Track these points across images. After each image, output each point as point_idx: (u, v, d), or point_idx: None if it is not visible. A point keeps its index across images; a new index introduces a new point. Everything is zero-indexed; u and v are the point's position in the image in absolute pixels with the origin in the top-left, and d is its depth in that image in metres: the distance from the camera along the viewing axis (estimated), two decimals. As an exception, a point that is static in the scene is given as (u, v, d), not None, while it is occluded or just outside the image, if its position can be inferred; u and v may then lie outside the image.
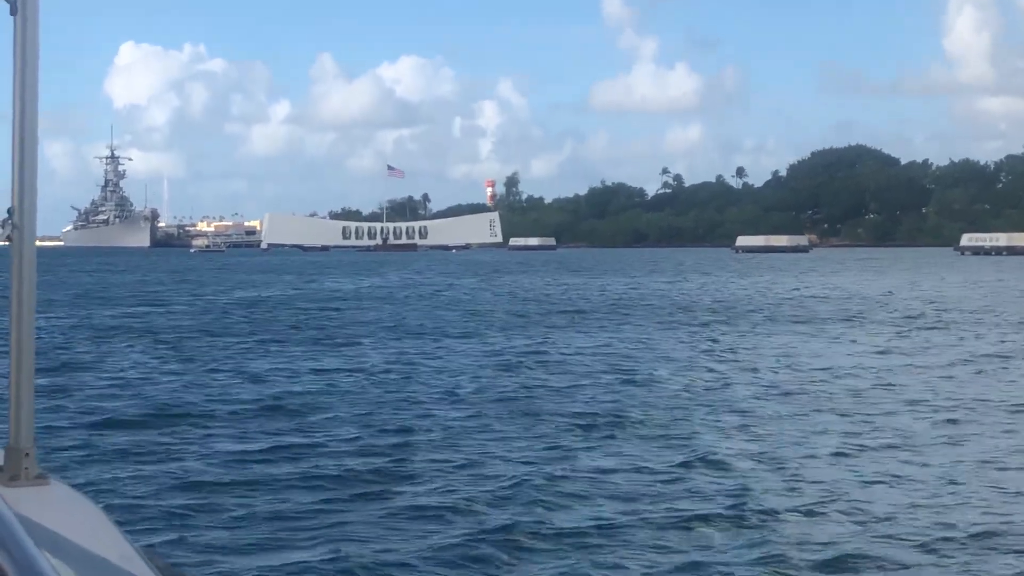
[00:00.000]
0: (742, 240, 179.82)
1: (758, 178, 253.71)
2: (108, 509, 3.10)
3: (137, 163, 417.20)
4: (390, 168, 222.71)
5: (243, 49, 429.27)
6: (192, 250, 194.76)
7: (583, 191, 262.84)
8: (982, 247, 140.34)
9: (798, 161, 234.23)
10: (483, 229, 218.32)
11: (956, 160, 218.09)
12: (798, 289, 59.58)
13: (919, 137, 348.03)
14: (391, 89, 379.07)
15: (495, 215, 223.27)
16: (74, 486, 2.97)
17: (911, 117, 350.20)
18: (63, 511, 2.71)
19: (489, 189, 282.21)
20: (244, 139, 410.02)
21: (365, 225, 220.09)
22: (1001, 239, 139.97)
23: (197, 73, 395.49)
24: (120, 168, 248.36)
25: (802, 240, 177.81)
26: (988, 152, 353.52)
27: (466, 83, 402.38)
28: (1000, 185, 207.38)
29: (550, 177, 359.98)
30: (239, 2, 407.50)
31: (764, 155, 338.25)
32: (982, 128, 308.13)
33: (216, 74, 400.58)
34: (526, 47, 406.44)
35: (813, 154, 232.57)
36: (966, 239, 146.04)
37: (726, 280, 72.41)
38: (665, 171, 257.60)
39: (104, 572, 2.45)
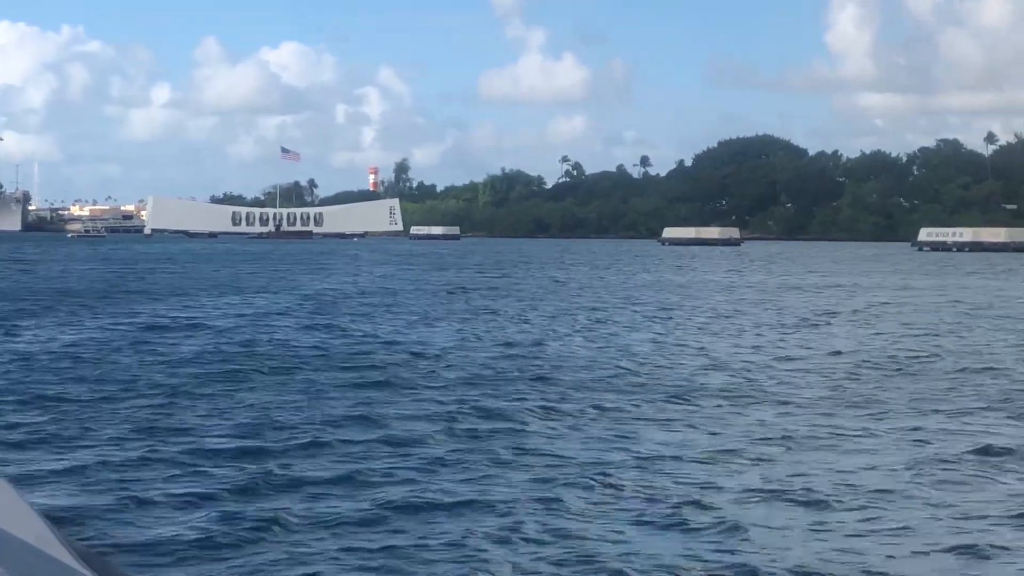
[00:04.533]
0: (669, 232, 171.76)
1: (660, 168, 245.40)
2: (25, 491, 2.91)
3: (11, 145, 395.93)
4: (284, 150, 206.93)
5: (123, 31, 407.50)
6: (68, 235, 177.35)
7: (469, 180, 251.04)
8: (944, 243, 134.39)
9: (705, 150, 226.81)
10: (382, 217, 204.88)
11: (867, 151, 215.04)
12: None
13: (799, 132, 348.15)
14: (274, 75, 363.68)
15: (395, 202, 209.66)
16: None
17: (794, 111, 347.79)
18: None
19: (372, 176, 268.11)
20: (122, 122, 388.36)
21: (256, 211, 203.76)
22: (966, 234, 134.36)
23: (75, 54, 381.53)
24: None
25: (734, 232, 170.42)
26: (865, 147, 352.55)
27: (350, 71, 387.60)
28: (912, 178, 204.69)
29: (435, 166, 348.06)
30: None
31: (649, 147, 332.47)
32: (861, 123, 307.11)
33: (95, 56, 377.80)
34: (412, 35, 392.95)
35: (720, 143, 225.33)
36: (925, 234, 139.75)
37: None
38: (565, 159, 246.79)
39: (21, 554, 2.39)
